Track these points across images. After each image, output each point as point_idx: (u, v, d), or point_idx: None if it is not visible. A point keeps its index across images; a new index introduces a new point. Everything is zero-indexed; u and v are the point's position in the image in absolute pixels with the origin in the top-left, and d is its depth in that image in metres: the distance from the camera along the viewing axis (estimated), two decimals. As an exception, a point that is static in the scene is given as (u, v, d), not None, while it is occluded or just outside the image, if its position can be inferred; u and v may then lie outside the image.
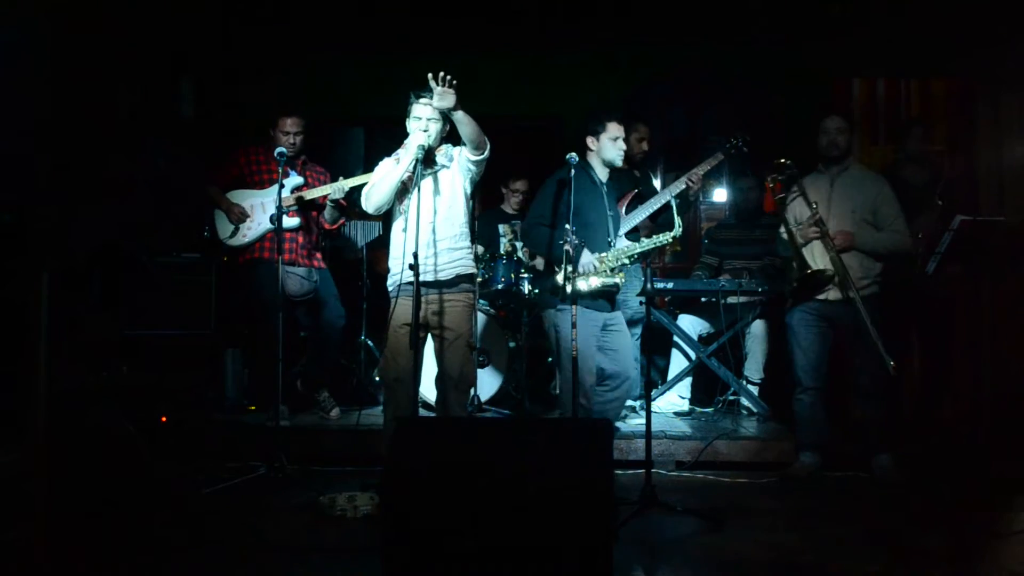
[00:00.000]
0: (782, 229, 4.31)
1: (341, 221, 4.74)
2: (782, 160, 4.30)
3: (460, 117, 3.53)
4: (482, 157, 3.67)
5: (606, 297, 4.02)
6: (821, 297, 4.13)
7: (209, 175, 4.81)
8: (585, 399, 3.95)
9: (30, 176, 4.38)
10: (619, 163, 4.06)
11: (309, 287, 4.76)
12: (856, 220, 4.13)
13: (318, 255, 4.82)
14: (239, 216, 4.67)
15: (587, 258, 3.94)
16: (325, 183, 4.73)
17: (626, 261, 4.02)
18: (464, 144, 3.64)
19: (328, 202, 4.54)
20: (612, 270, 3.96)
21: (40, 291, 2.93)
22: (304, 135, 4.72)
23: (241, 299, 4.95)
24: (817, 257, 4.12)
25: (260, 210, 4.66)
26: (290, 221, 4.61)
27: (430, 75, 3.42)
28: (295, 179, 4.67)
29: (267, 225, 4.60)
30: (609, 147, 4.00)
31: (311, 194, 4.63)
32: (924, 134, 5.00)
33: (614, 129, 3.99)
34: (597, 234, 4.01)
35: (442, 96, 3.45)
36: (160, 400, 4.22)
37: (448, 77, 3.42)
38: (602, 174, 4.09)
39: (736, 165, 5.60)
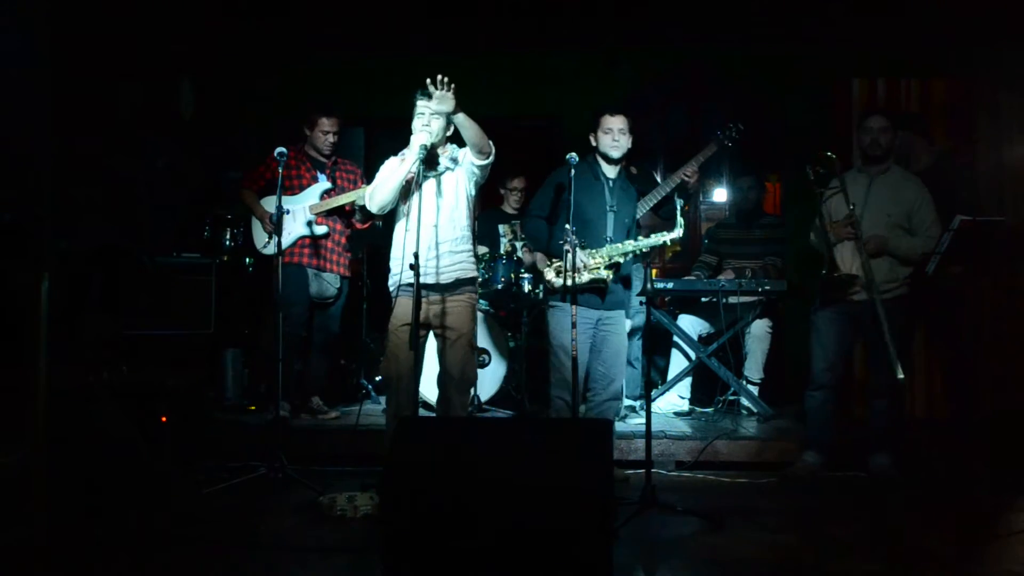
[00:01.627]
0: (817, 222, 4.27)
1: (373, 219, 4.78)
2: (828, 153, 4.22)
3: (461, 120, 3.54)
4: (487, 162, 3.68)
5: (595, 293, 3.95)
6: (850, 297, 4.11)
7: (244, 179, 4.84)
8: (569, 395, 3.92)
9: (30, 176, 4.38)
10: (614, 155, 3.99)
11: (332, 292, 4.81)
12: (890, 224, 4.11)
13: (344, 261, 4.86)
14: (268, 225, 4.69)
15: (576, 254, 3.90)
16: (356, 180, 4.83)
17: (620, 259, 3.96)
18: (467, 140, 3.64)
19: (356, 206, 4.63)
20: (606, 267, 3.90)
21: (40, 291, 2.93)
22: (339, 135, 4.79)
23: (265, 299, 4.97)
24: (847, 257, 4.09)
25: (291, 217, 4.67)
26: (318, 229, 4.69)
27: (428, 80, 3.42)
28: (323, 184, 4.73)
29: (297, 232, 4.66)
30: (602, 139, 4.00)
31: (336, 202, 4.68)
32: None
33: (605, 121, 3.99)
34: (594, 230, 3.99)
35: (441, 100, 3.47)
36: (160, 400, 4.22)
37: (447, 80, 3.42)
38: (608, 170, 4.06)
39: (737, 165, 5.60)
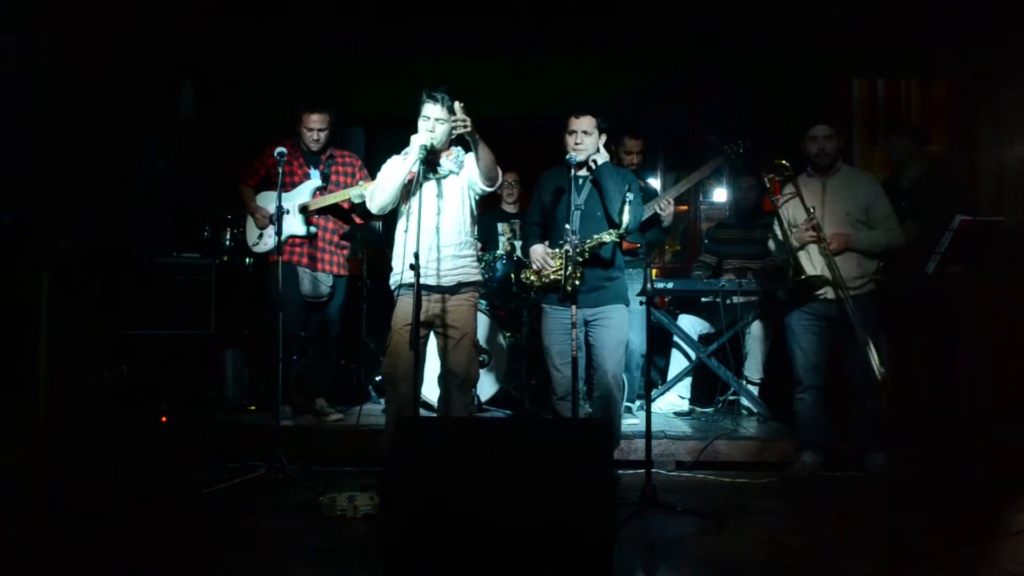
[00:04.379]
0: (776, 231, 4.34)
1: None
2: (781, 161, 4.30)
3: (478, 142, 3.58)
4: (491, 189, 3.75)
5: (558, 292, 3.79)
6: (820, 296, 4.16)
7: (241, 174, 4.81)
8: (560, 399, 3.93)
9: (30, 176, 4.38)
10: (577, 158, 3.81)
11: (325, 292, 4.76)
12: (851, 221, 4.17)
13: (338, 260, 4.78)
14: (263, 222, 4.67)
15: (538, 251, 3.90)
16: (355, 172, 4.76)
17: (578, 258, 3.80)
18: (479, 167, 3.67)
19: (353, 202, 4.59)
20: (574, 265, 3.74)
21: (40, 291, 2.93)
22: (329, 130, 4.72)
23: (259, 298, 4.96)
24: (814, 259, 4.15)
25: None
26: (304, 229, 4.63)
27: (459, 105, 3.50)
28: (315, 181, 4.67)
29: (288, 231, 4.59)
30: (567, 141, 3.91)
31: (326, 201, 4.62)
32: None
33: (570, 123, 3.90)
34: (559, 230, 3.88)
35: (456, 122, 3.56)
36: (160, 400, 4.22)
37: (461, 109, 3.51)
38: (582, 170, 4.01)
39: (737, 164, 5.59)
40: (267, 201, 4.71)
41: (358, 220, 4.76)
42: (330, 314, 4.84)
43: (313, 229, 4.66)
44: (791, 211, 4.27)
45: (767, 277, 5.01)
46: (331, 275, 4.76)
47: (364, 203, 4.50)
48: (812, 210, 4.14)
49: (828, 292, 4.13)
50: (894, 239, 4.21)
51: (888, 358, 4.32)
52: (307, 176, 4.70)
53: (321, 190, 4.68)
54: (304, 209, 4.64)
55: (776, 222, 4.35)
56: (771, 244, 4.45)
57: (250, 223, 4.78)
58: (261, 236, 4.72)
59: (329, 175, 4.73)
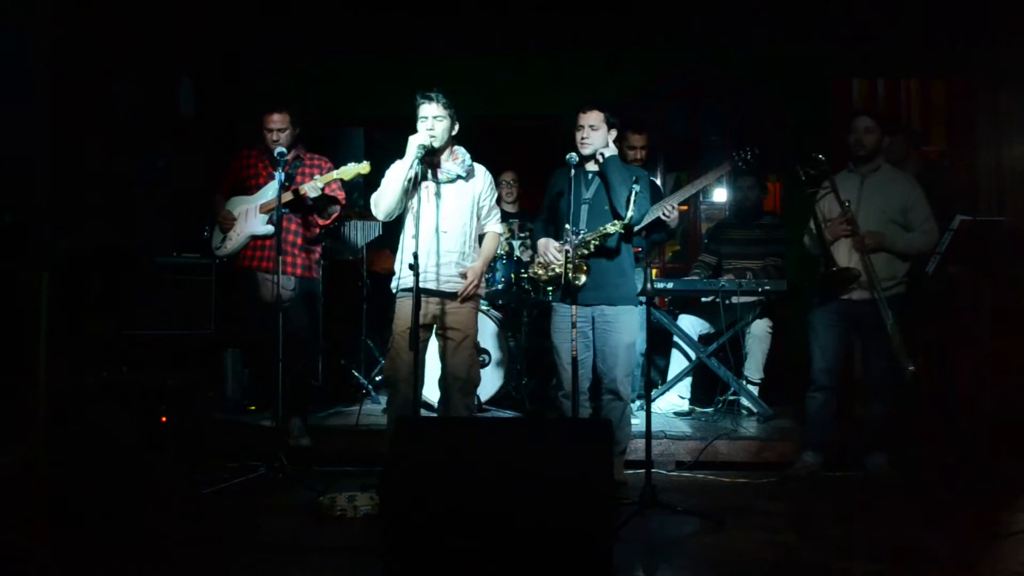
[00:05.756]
0: (811, 224, 4.29)
1: (335, 214, 4.56)
2: (816, 155, 4.26)
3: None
4: None
5: (566, 289, 3.75)
6: (845, 296, 4.12)
7: (216, 181, 4.73)
8: (565, 397, 3.85)
9: (30, 176, 4.38)
10: (584, 152, 3.83)
11: (285, 296, 4.38)
12: (884, 221, 4.12)
13: (299, 261, 4.55)
14: (224, 225, 4.55)
15: (544, 246, 3.89)
16: (321, 173, 4.52)
17: (583, 251, 3.80)
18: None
19: (308, 200, 4.39)
20: (579, 258, 3.75)
21: (40, 291, 2.93)
22: (292, 130, 4.51)
23: (236, 304, 4.92)
24: (843, 255, 4.11)
25: (244, 218, 4.53)
26: (264, 228, 4.46)
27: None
28: (278, 182, 4.33)
29: (247, 232, 4.49)
30: (576, 135, 3.89)
31: (284, 198, 4.37)
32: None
33: (578, 118, 3.88)
34: (564, 226, 3.82)
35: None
36: (160, 400, 4.22)
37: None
38: (590, 164, 4.00)
39: (744, 172, 5.59)
40: (233, 206, 4.58)
41: (322, 222, 4.55)
42: (292, 318, 4.40)
43: (269, 229, 4.43)
44: (827, 206, 4.22)
45: (769, 277, 5.02)
46: (291, 277, 4.51)
47: (322, 202, 4.39)
48: (847, 204, 4.11)
49: (856, 292, 4.08)
50: (931, 243, 4.19)
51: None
52: (271, 177, 4.47)
53: (284, 189, 4.38)
54: (265, 208, 4.48)
55: (811, 217, 4.31)
56: (806, 239, 4.38)
57: (217, 228, 4.64)
58: (224, 240, 4.57)
59: (294, 176, 4.51)
